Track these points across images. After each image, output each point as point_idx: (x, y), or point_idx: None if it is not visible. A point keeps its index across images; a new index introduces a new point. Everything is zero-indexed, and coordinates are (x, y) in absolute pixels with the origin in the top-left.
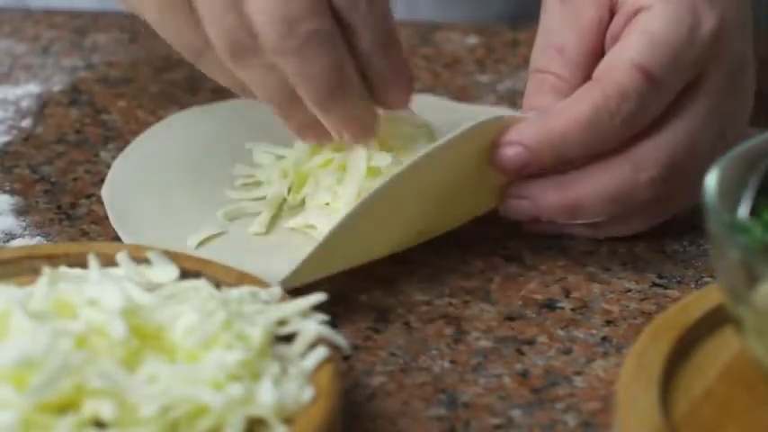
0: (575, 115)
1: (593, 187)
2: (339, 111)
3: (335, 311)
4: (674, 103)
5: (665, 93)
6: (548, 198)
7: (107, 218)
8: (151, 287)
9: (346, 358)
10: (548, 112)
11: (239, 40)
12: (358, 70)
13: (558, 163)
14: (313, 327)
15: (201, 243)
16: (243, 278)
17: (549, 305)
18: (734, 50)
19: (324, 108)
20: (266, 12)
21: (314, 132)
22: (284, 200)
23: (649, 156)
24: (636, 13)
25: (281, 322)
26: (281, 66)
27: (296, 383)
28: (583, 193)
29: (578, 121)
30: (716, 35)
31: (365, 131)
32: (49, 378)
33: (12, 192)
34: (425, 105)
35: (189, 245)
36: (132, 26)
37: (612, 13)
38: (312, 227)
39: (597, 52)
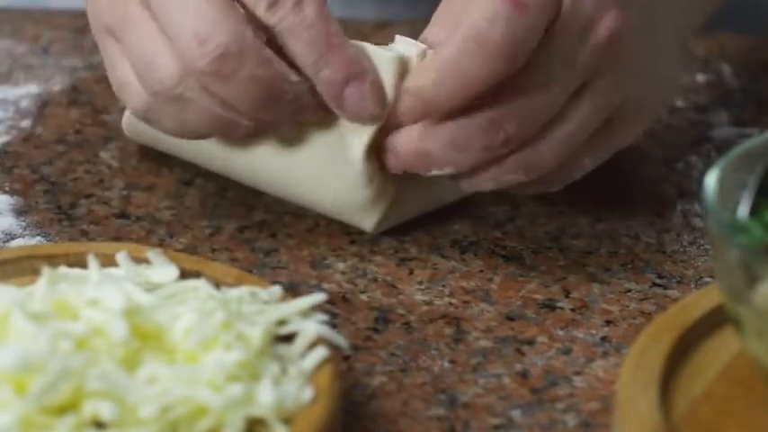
0: (445, 55)
1: (433, 133)
2: (281, 116)
3: (335, 311)
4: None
5: (533, 17)
6: (404, 147)
7: (107, 218)
8: (151, 287)
9: (346, 358)
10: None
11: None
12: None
13: (453, 106)
14: (313, 327)
15: None
16: (243, 278)
17: (549, 305)
18: None
19: (261, 119)
20: (178, 31)
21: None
22: None
23: (502, 108)
24: None
25: (281, 322)
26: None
27: (296, 383)
28: (427, 140)
29: (450, 58)
30: None
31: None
32: (50, 382)
33: (12, 192)
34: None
35: None
36: None
37: None
38: None
39: None
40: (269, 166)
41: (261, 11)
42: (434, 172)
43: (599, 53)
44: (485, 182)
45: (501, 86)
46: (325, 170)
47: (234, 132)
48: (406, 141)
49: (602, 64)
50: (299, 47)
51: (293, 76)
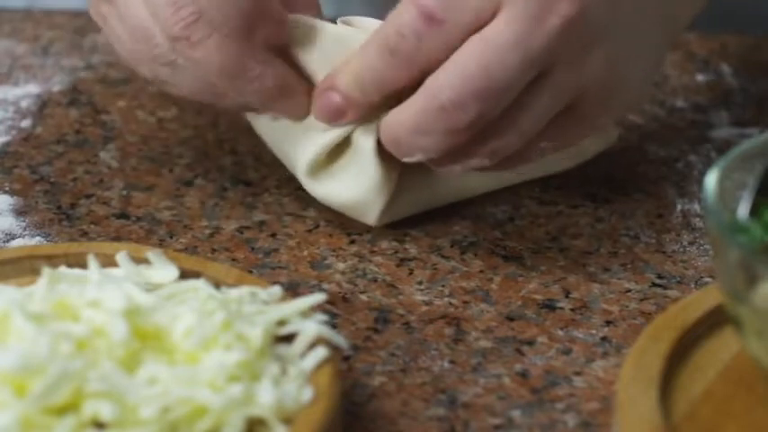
0: (364, 56)
1: (399, 120)
2: (246, 93)
3: (335, 311)
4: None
5: (449, 31)
6: (382, 133)
7: (107, 218)
8: (151, 287)
9: (346, 358)
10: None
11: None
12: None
13: (371, 103)
14: (313, 327)
15: None
16: (242, 278)
17: (549, 305)
18: None
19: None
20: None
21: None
22: None
23: (441, 81)
24: None
25: (281, 322)
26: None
27: (295, 384)
28: (395, 127)
29: (367, 61)
30: None
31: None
32: (50, 385)
33: (11, 192)
34: None
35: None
36: None
37: None
38: None
39: None
40: (294, 146)
41: None
42: (407, 159)
43: (554, 40)
44: (453, 168)
45: (455, 70)
46: (338, 155)
47: (222, 101)
48: (383, 127)
49: (558, 51)
50: None
51: (260, 55)
